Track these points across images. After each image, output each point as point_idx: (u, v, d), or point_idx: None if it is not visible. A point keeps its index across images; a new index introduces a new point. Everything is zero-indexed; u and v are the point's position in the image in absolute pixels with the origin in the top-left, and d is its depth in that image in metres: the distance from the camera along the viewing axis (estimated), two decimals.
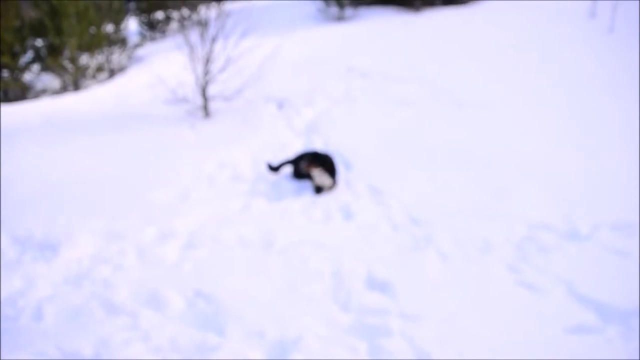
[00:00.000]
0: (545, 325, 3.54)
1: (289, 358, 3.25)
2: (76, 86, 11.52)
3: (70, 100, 10.23)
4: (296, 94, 9.26)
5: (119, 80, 11.40)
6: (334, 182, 5.67)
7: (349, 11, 15.43)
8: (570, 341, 3.39)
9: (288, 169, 6.19)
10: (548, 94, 8.29)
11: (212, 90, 8.75)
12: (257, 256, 4.55)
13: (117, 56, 12.67)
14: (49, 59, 11.24)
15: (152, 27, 16.59)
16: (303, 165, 5.60)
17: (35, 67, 11.76)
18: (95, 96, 10.40)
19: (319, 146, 6.91)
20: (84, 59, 11.81)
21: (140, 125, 8.39)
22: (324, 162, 5.67)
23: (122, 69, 12.50)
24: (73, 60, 11.45)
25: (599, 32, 11.29)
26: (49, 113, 9.14)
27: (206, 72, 8.65)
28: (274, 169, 6.21)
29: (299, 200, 5.59)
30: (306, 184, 5.87)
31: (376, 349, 3.34)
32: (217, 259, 4.54)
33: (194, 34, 8.82)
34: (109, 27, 12.83)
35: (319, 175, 5.58)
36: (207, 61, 8.65)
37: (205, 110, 8.65)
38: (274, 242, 4.74)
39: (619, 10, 11.44)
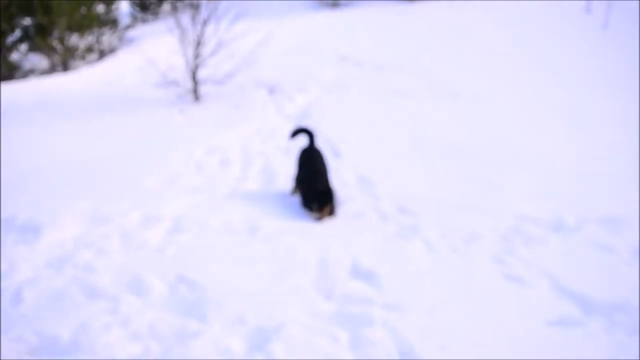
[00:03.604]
0: (528, 318, 3.53)
1: (269, 346, 3.22)
2: (65, 67, 11.38)
3: (59, 81, 10.10)
4: (288, 80, 9.19)
5: (109, 62, 11.27)
6: (333, 204, 5.04)
7: None
8: (552, 334, 3.38)
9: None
10: (541, 89, 8.30)
11: (202, 74, 8.67)
12: (242, 243, 4.51)
13: (107, 37, 12.53)
14: (38, 39, 11.08)
15: (144, 9, 16.40)
16: (315, 209, 4.97)
17: (23, 46, 11.58)
18: (85, 78, 10.28)
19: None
20: (74, 39, 11.65)
21: (129, 108, 8.31)
22: (331, 197, 5.04)
23: (112, 50, 12.36)
24: (62, 41, 11.30)
25: (593, 27, 11.29)
26: (38, 94, 9.02)
27: (197, 56, 8.56)
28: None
29: (288, 187, 5.53)
30: None
31: (358, 339, 3.31)
32: (201, 245, 4.49)
33: (186, 17, 8.72)
34: (100, 8, 12.66)
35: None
36: (198, 44, 8.57)
37: (196, 94, 8.57)
38: (260, 229, 4.70)
39: (614, 6, 11.44)
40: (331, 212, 4.98)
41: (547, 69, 9.17)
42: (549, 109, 7.43)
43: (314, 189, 5.03)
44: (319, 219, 4.93)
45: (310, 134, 5.50)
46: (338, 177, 5.62)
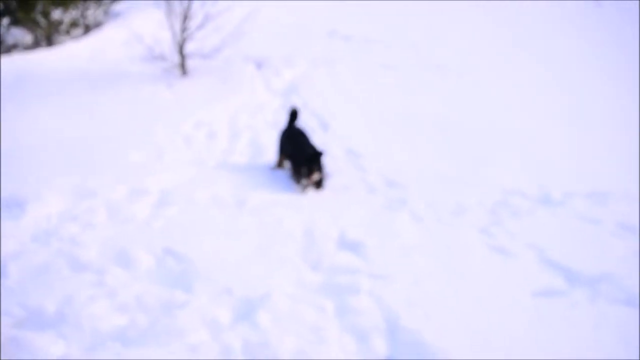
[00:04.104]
0: (514, 288, 3.57)
1: (255, 315, 3.23)
2: (49, 42, 11.14)
3: (43, 56, 9.90)
4: (276, 54, 9.10)
5: (95, 37, 11.04)
6: (322, 175, 4.99)
7: None
8: (537, 304, 3.42)
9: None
10: (529, 64, 8.29)
11: (189, 47, 8.55)
12: (229, 216, 4.50)
13: (92, 11, 12.23)
14: (20, 13, 10.81)
15: None
16: (304, 173, 4.86)
17: (5, 20, 11.30)
18: (70, 53, 10.08)
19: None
20: (57, 13, 11.38)
21: (115, 83, 8.19)
22: (320, 161, 4.96)
23: (97, 24, 12.09)
24: (45, 15, 11.03)
25: (586, 4, 11.24)
26: (22, 69, 8.84)
27: (184, 29, 8.44)
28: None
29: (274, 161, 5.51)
30: None
31: (343, 308, 3.33)
32: (189, 218, 4.48)
33: None
34: None
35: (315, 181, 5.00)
36: (185, 18, 8.43)
37: (183, 69, 8.46)
38: (248, 201, 4.69)
39: None
40: (319, 185, 4.96)
41: (537, 45, 9.14)
42: (537, 85, 7.43)
43: (302, 154, 4.99)
44: (306, 185, 4.89)
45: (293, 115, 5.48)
46: (326, 151, 5.59)
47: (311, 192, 4.92)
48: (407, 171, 5.20)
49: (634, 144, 5.62)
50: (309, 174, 4.89)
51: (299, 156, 5.02)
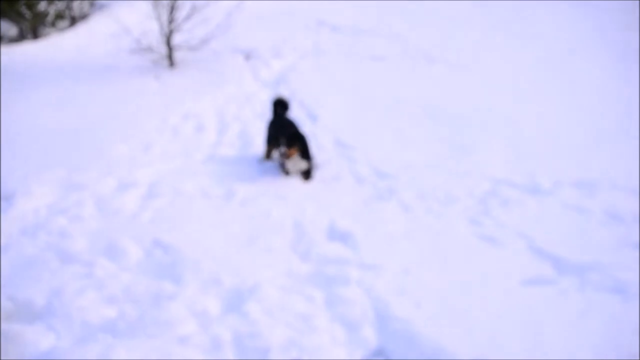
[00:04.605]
0: (503, 277, 3.58)
1: (245, 306, 3.23)
2: (35, 34, 11.03)
3: (29, 48, 9.81)
4: (264, 45, 9.07)
5: (81, 29, 10.94)
6: (310, 165, 5.00)
7: None
8: (526, 292, 3.44)
9: None
10: (518, 54, 8.29)
11: (177, 39, 8.50)
12: (218, 207, 4.49)
13: (78, 3, 12.11)
14: (4, 4, 10.67)
15: None
16: (283, 151, 4.87)
17: None
18: (56, 45, 10.00)
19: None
20: (43, 5, 11.25)
21: (103, 75, 8.13)
22: (302, 142, 4.96)
23: (84, 16, 11.98)
24: (30, 7, 10.91)
25: None
26: (6, 62, 8.74)
27: (171, 20, 8.38)
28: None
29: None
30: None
31: (333, 298, 3.34)
32: (177, 210, 4.46)
33: None
34: None
35: (295, 163, 4.96)
36: (172, 9, 8.37)
37: (170, 60, 8.41)
38: (236, 193, 4.67)
39: None
40: (308, 176, 4.96)
41: (524, 34, 9.15)
42: (524, 75, 7.44)
43: (284, 135, 4.96)
44: (286, 156, 4.84)
45: (284, 105, 5.46)
46: (315, 142, 5.57)
47: (299, 183, 4.91)
48: (396, 161, 5.20)
49: (622, 133, 5.65)
50: (288, 148, 4.85)
51: (281, 136, 4.99)
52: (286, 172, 4.98)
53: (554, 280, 3.56)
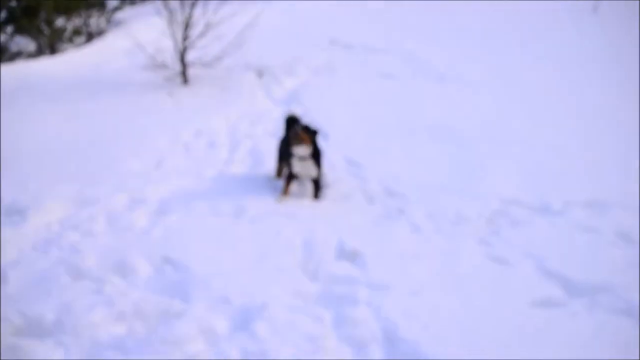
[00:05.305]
0: (512, 299, 3.56)
1: (253, 325, 3.23)
2: (52, 50, 11.22)
3: (46, 64, 9.96)
4: (277, 63, 9.15)
5: (97, 45, 11.11)
6: (319, 174, 4.96)
7: None
8: (535, 314, 3.41)
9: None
10: (527, 74, 8.30)
11: (191, 56, 8.60)
12: (228, 225, 4.50)
13: (95, 19, 12.34)
14: (24, 20, 10.89)
15: None
16: (293, 133, 4.82)
17: (9, 28, 11.38)
18: (72, 60, 10.14)
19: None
20: (61, 21, 11.47)
21: (117, 91, 8.23)
22: (313, 136, 4.92)
23: (100, 33, 12.19)
24: (49, 23, 11.12)
25: (583, 11, 11.27)
26: (24, 77, 8.89)
27: (185, 37, 8.49)
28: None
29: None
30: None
31: (341, 318, 3.33)
32: (187, 227, 4.48)
33: None
34: None
35: (305, 162, 4.86)
36: (187, 26, 8.48)
37: (184, 77, 8.51)
38: (246, 211, 4.69)
39: None
40: (317, 194, 4.97)
41: (535, 54, 9.17)
42: (535, 94, 7.45)
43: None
44: (296, 141, 4.78)
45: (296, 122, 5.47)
46: (326, 160, 5.59)
47: (310, 202, 4.93)
48: (407, 180, 5.20)
49: (632, 153, 5.63)
50: (297, 133, 4.82)
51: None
52: (289, 176, 4.96)
53: (564, 301, 3.53)
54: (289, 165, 4.96)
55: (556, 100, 7.22)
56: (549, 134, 6.18)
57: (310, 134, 4.92)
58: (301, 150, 4.86)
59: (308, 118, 6.66)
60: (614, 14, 10.71)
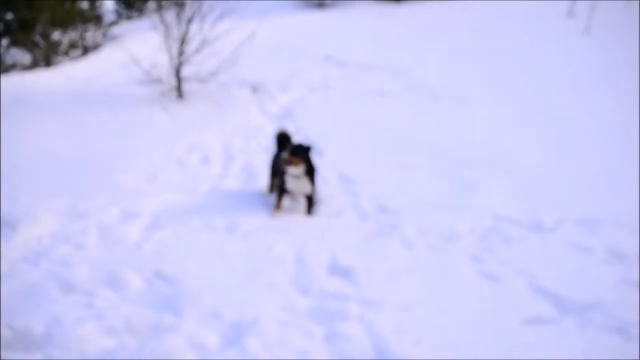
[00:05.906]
0: (503, 316, 3.55)
1: (244, 340, 3.21)
2: (48, 62, 11.23)
3: (41, 77, 9.98)
4: (272, 79, 9.20)
5: (93, 59, 11.16)
6: (313, 190, 4.98)
7: None
8: (526, 331, 3.41)
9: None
10: (520, 91, 8.38)
11: (186, 71, 8.64)
12: (220, 240, 4.50)
13: (91, 33, 12.38)
14: (20, 33, 10.90)
15: (129, 6, 16.30)
16: (285, 156, 4.81)
17: (5, 41, 11.39)
18: (67, 74, 10.17)
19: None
20: (57, 34, 11.49)
21: (112, 105, 8.24)
22: (306, 155, 4.91)
23: (96, 46, 12.22)
24: (45, 36, 11.14)
25: (575, 32, 11.41)
26: (18, 89, 8.90)
27: (181, 53, 8.53)
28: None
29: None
30: None
31: (332, 334, 3.32)
32: (179, 242, 4.48)
33: (170, 14, 8.68)
34: (84, 4, 12.52)
35: (299, 180, 4.87)
36: (182, 42, 8.53)
37: (179, 92, 8.53)
38: (239, 226, 4.69)
39: (598, 10, 11.55)
40: (310, 209, 4.98)
41: (527, 72, 9.26)
42: (527, 112, 7.51)
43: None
44: (288, 162, 4.78)
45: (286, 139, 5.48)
46: (319, 176, 5.61)
47: (302, 218, 4.93)
48: (399, 197, 5.22)
49: (624, 170, 5.67)
50: (290, 156, 4.79)
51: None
52: (281, 191, 4.95)
53: (555, 319, 3.53)
54: (283, 181, 4.96)
55: (547, 117, 7.28)
56: (541, 151, 6.22)
57: (303, 151, 4.92)
58: (294, 170, 4.87)
59: (302, 134, 6.72)
60: (607, 34, 10.85)
